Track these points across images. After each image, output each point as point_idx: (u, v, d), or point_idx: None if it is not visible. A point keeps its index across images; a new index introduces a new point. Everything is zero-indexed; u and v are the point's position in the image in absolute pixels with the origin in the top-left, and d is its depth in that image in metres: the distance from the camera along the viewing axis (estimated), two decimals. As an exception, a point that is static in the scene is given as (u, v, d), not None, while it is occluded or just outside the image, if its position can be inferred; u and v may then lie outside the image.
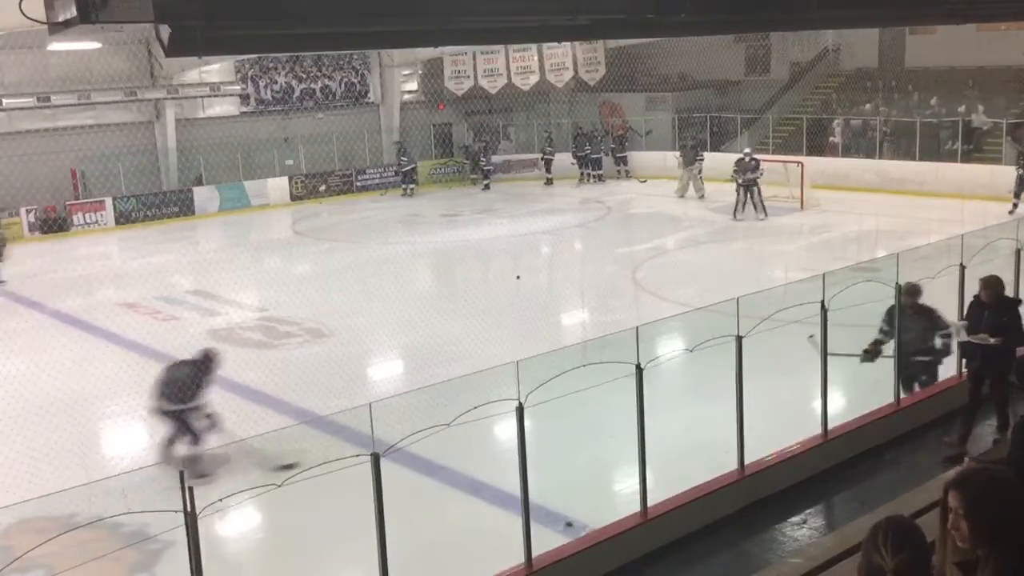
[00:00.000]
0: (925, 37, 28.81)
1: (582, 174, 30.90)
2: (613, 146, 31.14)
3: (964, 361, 9.03)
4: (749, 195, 23.28)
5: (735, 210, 23.40)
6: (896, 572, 2.72)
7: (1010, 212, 20.98)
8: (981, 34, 26.35)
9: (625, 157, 31.08)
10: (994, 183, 23.76)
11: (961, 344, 8.74)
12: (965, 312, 8.67)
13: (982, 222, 16.01)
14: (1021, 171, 21.71)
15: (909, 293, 9.01)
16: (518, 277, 13.79)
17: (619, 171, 30.99)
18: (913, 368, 9.44)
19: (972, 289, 9.53)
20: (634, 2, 7.02)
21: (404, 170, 30.00)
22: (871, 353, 9.20)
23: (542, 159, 31.76)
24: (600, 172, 30.67)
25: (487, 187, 30.74)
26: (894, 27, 27.57)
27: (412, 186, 30.07)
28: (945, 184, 24.54)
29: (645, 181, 30.17)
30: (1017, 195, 21.55)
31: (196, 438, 9.34)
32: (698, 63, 31.25)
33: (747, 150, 24.49)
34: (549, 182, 31.20)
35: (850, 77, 31.46)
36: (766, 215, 23.14)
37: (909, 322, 9.02)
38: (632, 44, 29.54)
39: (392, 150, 32.11)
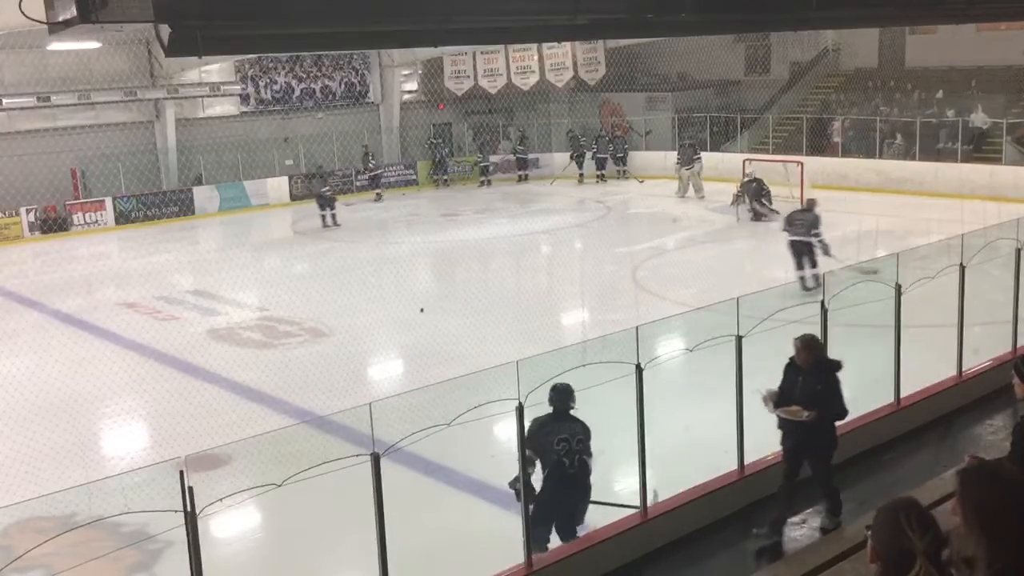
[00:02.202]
0: (925, 37, 28.82)
1: (580, 175, 31.14)
2: (611, 147, 31.17)
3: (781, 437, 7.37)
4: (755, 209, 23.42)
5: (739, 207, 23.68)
6: (927, 553, 2.69)
7: None
8: (981, 34, 26.36)
9: (624, 157, 31.12)
10: (993, 183, 23.78)
11: (778, 416, 7.20)
12: (781, 378, 7.24)
13: (982, 222, 15.99)
14: None
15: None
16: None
17: (618, 171, 31.04)
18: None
19: (972, 289, 9.55)
20: (634, 2, 7.01)
21: (372, 174, 29.67)
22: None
23: (515, 158, 32.11)
24: (603, 172, 30.73)
25: (488, 183, 31.05)
26: (894, 27, 27.57)
27: (380, 190, 29.69)
28: (945, 184, 24.53)
29: (643, 181, 30.21)
30: None
31: (815, 259, 15.52)
32: (698, 63, 31.26)
33: (751, 173, 24.33)
34: (523, 179, 31.91)
35: (850, 77, 31.45)
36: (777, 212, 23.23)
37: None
38: (632, 44, 29.55)
39: (396, 152, 32.27)
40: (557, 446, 6.88)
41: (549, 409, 6.97)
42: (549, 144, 32.85)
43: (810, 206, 16.50)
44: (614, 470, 9.11)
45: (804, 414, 6.96)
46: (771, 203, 23.20)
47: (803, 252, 15.70)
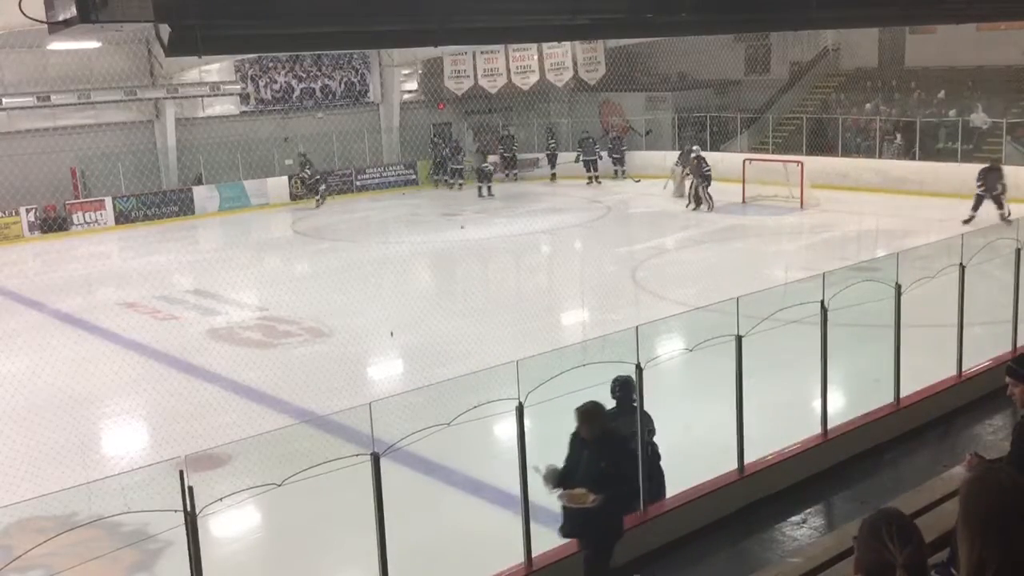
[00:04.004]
0: (925, 37, 28.82)
1: (552, 174, 31.53)
2: (610, 146, 31.14)
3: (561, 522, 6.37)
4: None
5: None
6: (906, 566, 2.68)
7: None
8: (981, 34, 26.36)
9: (621, 158, 31.07)
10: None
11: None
12: (568, 451, 6.32)
13: (982, 222, 16.02)
14: None
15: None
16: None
17: (616, 171, 30.98)
18: None
19: (972, 289, 9.55)
20: (634, 2, 7.01)
21: (309, 182, 28.70)
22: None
23: (501, 157, 32.11)
24: (595, 174, 30.60)
25: (460, 187, 30.88)
26: (894, 27, 27.58)
27: (319, 197, 28.70)
28: (945, 184, 24.53)
29: (639, 180, 30.24)
30: None
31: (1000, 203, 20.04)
32: (698, 63, 31.26)
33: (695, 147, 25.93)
34: (511, 178, 31.94)
35: (850, 77, 31.46)
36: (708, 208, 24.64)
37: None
38: (632, 44, 29.54)
39: (396, 152, 32.12)
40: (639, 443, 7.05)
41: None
42: (559, 143, 32.77)
43: (994, 165, 20.87)
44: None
45: (591, 499, 5.94)
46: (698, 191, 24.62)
47: (981, 202, 20.14)
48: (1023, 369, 5.25)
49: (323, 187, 28.89)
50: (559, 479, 6.07)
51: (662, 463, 7.55)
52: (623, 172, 30.99)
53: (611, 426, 6.23)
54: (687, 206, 24.96)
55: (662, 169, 29.30)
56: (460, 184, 30.96)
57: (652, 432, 7.31)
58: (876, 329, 9.44)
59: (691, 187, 24.94)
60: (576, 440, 6.20)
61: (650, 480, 7.27)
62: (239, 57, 27.46)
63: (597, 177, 30.57)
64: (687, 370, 10.35)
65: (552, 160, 31.65)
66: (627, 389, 7.12)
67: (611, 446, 6.15)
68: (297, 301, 16.51)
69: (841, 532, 6.92)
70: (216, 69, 28.42)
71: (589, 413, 6.14)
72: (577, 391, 7.00)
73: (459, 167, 31.30)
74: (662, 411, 7.75)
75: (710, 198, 24.52)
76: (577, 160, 30.81)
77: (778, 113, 30.98)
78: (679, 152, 28.16)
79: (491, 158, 32.10)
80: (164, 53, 5.38)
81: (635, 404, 7.10)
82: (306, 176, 28.97)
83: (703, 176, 24.48)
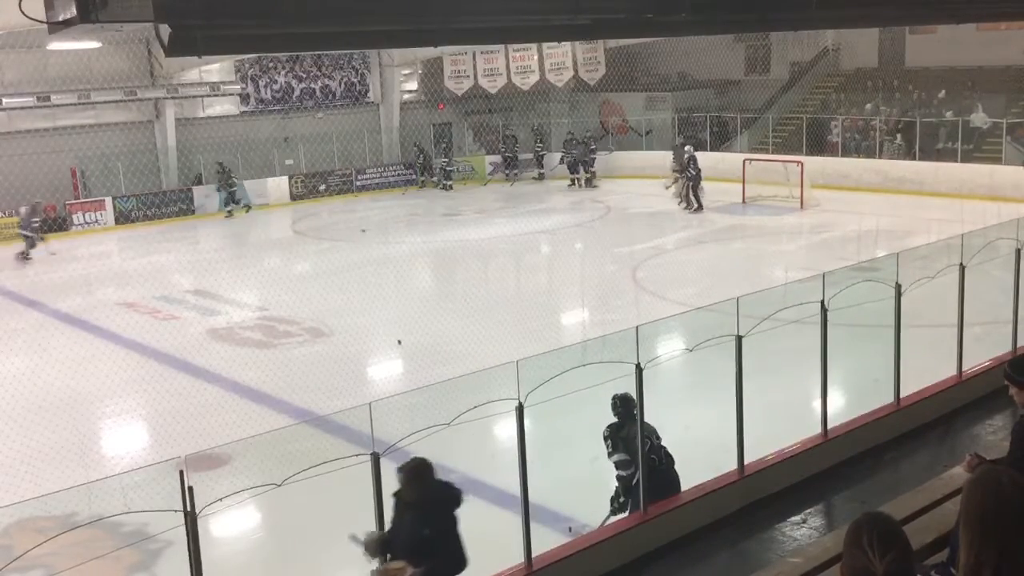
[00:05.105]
0: (925, 37, 28.82)
1: (540, 174, 31.57)
2: (588, 148, 31.02)
3: None
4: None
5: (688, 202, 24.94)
6: (886, 574, 2.66)
7: None
8: (981, 34, 26.37)
9: (590, 160, 30.70)
10: (994, 183, 23.79)
11: None
12: (393, 513, 5.67)
13: (982, 222, 16.01)
14: None
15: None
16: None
17: (589, 173, 30.77)
18: None
19: (972, 289, 9.55)
20: (634, 2, 7.01)
21: (229, 191, 27.69)
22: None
23: (502, 157, 32.08)
24: (576, 176, 30.43)
25: (449, 187, 30.71)
26: (894, 27, 27.58)
27: (237, 207, 27.84)
28: (945, 184, 24.54)
29: (581, 184, 30.32)
30: None
31: None
32: (698, 63, 31.28)
33: (688, 147, 25.79)
34: (511, 178, 31.75)
35: (850, 77, 31.46)
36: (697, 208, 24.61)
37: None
38: (632, 44, 29.55)
39: (396, 152, 32.10)
40: (640, 445, 7.17)
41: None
42: (549, 144, 32.82)
43: None
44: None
45: (409, 572, 5.33)
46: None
47: None
48: (1016, 374, 5.25)
49: (236, 194, 27.78)
50: (381, 547, 5.52)
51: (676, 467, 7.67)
52: (592, 175, 30.64)
53: (436, 486, 5.57)
54: (679, 204, 24.96)
55: (662, 169, 29.30)
56: (450, 185, 30.81)
57: (659, 438, 7.45)
58: (876, 329, 9.44)
59: (684, 186, 24.95)
60: (399, 502, 5.57)
61: (671, 485, 7.47)
62: (239, 57, 27.46)
63: (577, 179, 30.43)
64: (687, 370, 10.35)
65: (539, 161, 31.69)
66: (627, 404, 7.29)
67: (435, 510, 5.47)
68: (297, 301, 16.50)
69: (841, 532, 6.91)
70: (216, 69, 28.43)
71: (413, 472, 5.48)
72: (577, 391, 7.01)
73: (450, 168, 31.17)
74: (662, 411, 7.75)
75: (697, 200, 24.44)
76: (561, 161, 30.78)
77: (778, 113, 30.98)
78: (672, 151, 28.15)
79: (490, 158, 31.89)
80: (164, 53, 5.37)
81: (636, 415, 7.20)
82: (231, 183, 27.71)
83: (689, 176, 24.47)
